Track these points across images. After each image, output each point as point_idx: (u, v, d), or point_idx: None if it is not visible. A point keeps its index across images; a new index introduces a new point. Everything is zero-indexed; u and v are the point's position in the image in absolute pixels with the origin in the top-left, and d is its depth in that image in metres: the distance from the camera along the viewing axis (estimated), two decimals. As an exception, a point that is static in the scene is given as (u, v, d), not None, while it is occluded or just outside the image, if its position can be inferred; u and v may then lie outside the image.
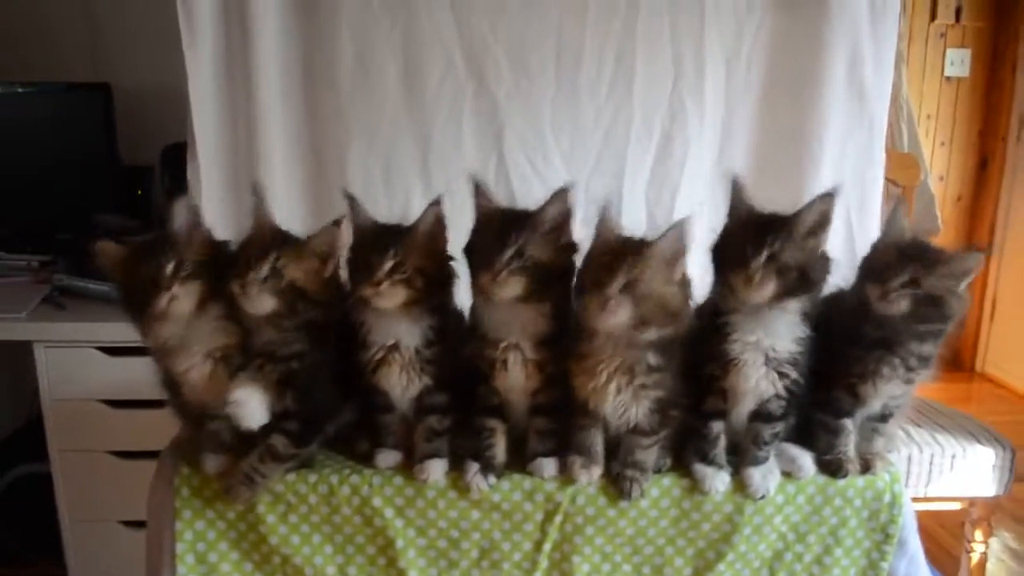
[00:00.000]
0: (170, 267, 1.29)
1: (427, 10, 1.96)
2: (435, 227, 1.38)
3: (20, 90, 2.71)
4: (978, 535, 2.36)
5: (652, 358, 1.32)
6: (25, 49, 2.81)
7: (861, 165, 2.10)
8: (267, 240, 1.32)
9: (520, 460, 1.45)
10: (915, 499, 2.25)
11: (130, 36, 2.79)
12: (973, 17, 3.96)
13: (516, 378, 1.38)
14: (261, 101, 1.96)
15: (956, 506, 2.36)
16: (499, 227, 1.31)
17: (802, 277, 1.29)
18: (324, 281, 1.36)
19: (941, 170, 4.16)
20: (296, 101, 2.00)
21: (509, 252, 1.28)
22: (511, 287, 1.30)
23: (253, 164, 2.00)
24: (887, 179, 2.57)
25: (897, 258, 1.33)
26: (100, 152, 2.75)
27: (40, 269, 2.60)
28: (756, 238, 1.28)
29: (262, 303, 1.30)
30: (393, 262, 1.31)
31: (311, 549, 1.43)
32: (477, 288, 1.33)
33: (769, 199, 2.04)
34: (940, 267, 1.31)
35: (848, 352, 1.39)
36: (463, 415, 1.45)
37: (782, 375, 1.36)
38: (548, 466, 1.42)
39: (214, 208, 1.99)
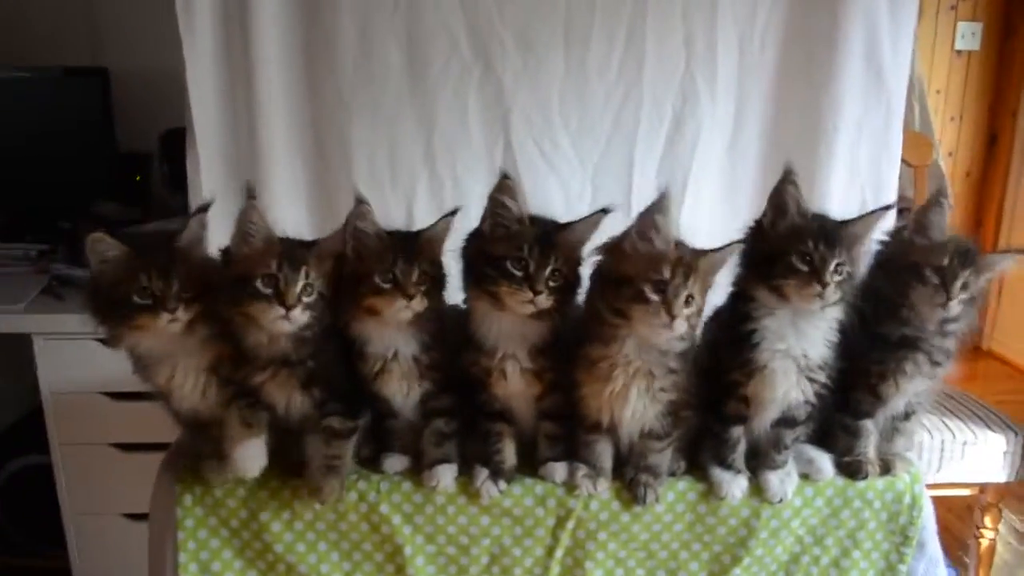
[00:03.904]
0: (176, 287, 1.24)
1: None
2: (443, 235, 1.34)
3: (16, 75, 2.64)
4: (988, 521, 2.34)
5: (672, 361, 1.29)
6: (19, 34, 2.73)
7: (877, 147, 2.07)
8: (279, 252, 1.25)
9: (531, 464, 1.42)
10: (926, 486, 2.24)
11: (127, 20, 2.71)
12: (985, -11, 3.88)
13: (516, 386, 1.35)
14: (261, 87, 1.91)
15: (966, 492, 2.33)
16: (535, 242, 1.26)
17: (849, 282, 1.27)
18: (331, 281, 1.31)
19: (950, 146, 4.09)
20: (297, 85, 1.96)
21: (548, 271, 1.26)
22: (546, 303, 1.27)
23: (254, 152, 1.95)
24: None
25: (956, 262, 1.30)
26: (98, 138, 2.69)
27: (39, 258, 2.55)
28: (827, 247, 1.24)
29: (300, 321, 1.26)
30: (418, 272, 1.28)
31: (317, 556, 1.40)
32: (505, 302, 1.28)
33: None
34: (986, 270, 1.32)
35: (868, 351, 1.36)
36: (470, 417, 1.42)
37: (813, 381, 1.32)
38: (559, 471, 1.40)
39: (215, 197, 1.95)
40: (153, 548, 1.44)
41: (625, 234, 1.25)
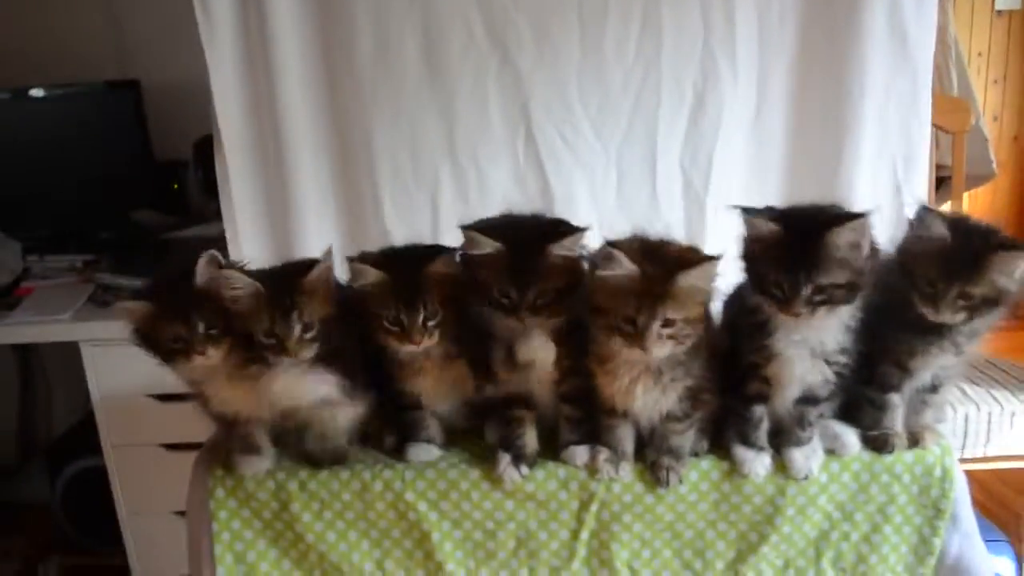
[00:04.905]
0: (200, 331, 1.30)
1: None
2: (447, 270, 1.36)
3: (54, 92, 2.72)
4: (1042, 493, 2.28)
5: (679, 353, 1.28)
6: (46, 52, 2.80)
7: (906, 115, 2.01)
8: (269, 305, 1.30)
9: (554, 449, 1.43)
10: (975, 459, 2.19)
11: (153, 32, 2.76)
12: (1024, -56, 3.74)
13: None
14: (283, 88, 1.94)
15: (1019, 464, 2.27)
16: (513, 274, 1.27)
17: (849, 289, 1.23)
18: (333, 301, 1.35)
19: (995, 109, 3.95)
20: (318, 85, 1.98)
21: (531, 298, 1.27)
22: (539, 320, 1.29)
23: (279, 153, 1.99)
24: (935, 126, 2.46)
25: (941, 272, 1.24)
26: (134, 149, 2.76)
27: (84, 269, 2.63)
28: (794, 271, 1.20)
29: (307, 352, 1.31)
30: (423, 315, 1.31)
31: (347, 545, 1.43)
32: (507, 323, 1.31)
33: (810, 154, 2.01)
34: (988, 273, 1.23)
35: (895, 332, 1.32)
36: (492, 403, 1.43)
37: (830, 363, 1.30)
38: (580, 454, 1.40)
39: (243, 199, 2.00)
40: (191, 541, 1.49)
41: (593, 264, 1.26)
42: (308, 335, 1.30)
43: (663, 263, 1.21)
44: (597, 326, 1.25)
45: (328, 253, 1.35)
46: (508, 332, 1.33)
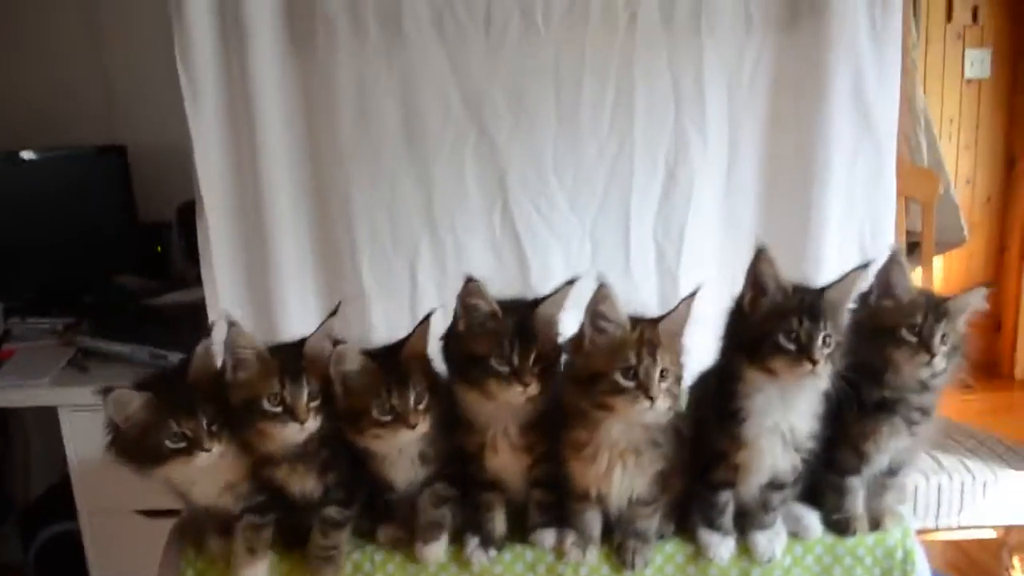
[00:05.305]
0: (205, 425, 1.27)
1: (422, 53, 1.96)
2: (423, 344, 1.36)
3: (41, 156, 2.75)
4: (1016, 563, 2.29)
5: (658, 435, 1.30)
6: (36, 115, 2.85)
7: (871, 185, 2.07)
8: (279, 369, 1.29)
9: (522, 530, 1.44)
10: (947, 529, 2.20)
11: (143, 97, 2.82)
12: (991, 15, 3.85)
13: (506, 458, 1.37)
14: (265, 153, 1.98)
15: (992, 534, 2.29)
16: (514, 336, 1.27)
17: (836, 348, 1.26)
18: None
19: (968, 173, 4.05)
20: (299, 151, 2.02)
21: (532, 361, 1.28)
22: (536, 390, 1.29)
23: (260, 217, 2.02)
24: (905, 196, 2.52)
25: (931, 318, 1.29)
26: (120, 213, 2.80)
27: (64, 332, 2.64)
28: (812, 322, 1.22)
29: (312, 428, 1.30)
30: (415, 395, 1.30)
31: (316, 628, 1.42)
32: (496, 396, 1.30)
33: (778, 226, 2.06)
34: (959, 314, 1.30)
35: (847, 412, 1.34)
36: (462, 486, 1.43)
37: (799, 450, 1.32)
38: (549, 537, 1.41)
39: (224, 264, 2.03)
40: (160, 621, 1.48)
41: (582, 334, 1.26)
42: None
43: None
44: (596, 393, 1.23)
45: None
46: (498, 408, 1.33)
